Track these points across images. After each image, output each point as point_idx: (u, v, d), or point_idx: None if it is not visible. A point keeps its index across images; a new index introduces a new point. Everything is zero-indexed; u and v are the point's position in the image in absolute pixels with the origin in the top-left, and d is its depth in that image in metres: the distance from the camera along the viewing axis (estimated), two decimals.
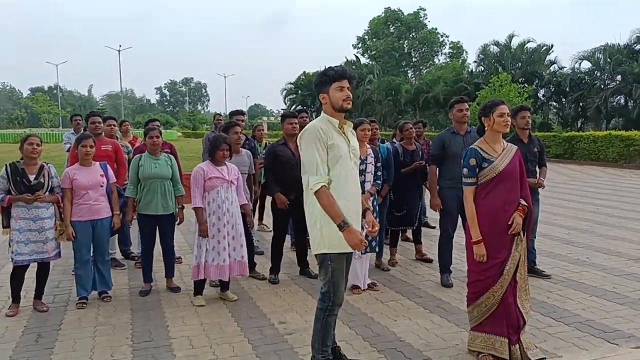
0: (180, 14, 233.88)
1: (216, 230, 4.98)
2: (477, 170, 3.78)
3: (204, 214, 4.96)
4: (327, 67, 3.41)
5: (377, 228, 3.39)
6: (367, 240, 3.38)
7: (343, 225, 3.15)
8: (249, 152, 6.18)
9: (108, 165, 5.32)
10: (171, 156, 5.65)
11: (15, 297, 4.86)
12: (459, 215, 5.48)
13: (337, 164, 3.29)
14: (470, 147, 3.88)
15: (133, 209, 5.44)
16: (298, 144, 3.42)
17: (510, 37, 38.76)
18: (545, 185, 5.69)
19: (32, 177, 4.72)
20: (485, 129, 3.89)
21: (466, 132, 5.52)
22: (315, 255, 3.42)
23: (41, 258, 4.81)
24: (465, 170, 3.82)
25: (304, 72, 56.70)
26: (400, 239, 7.28)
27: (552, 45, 37.29)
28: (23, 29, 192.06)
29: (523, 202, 3.78)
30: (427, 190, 7.60)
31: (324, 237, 3.31)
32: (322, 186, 3.20)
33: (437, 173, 5.66)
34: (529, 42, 37.79)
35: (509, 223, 3.70)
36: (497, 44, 39.31)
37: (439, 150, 5.56)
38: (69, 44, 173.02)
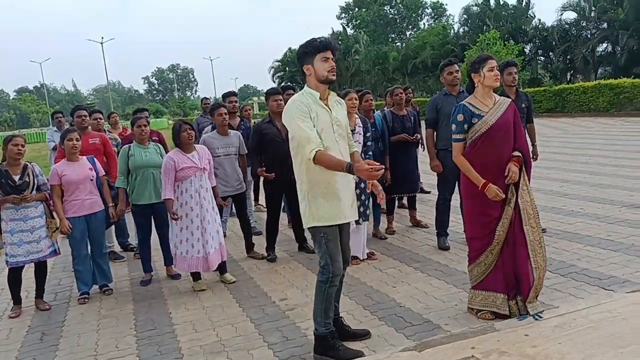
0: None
1: (189, 221, 4.88)
2: (466, 126, 3.76)
3: (174, 204, 4.87)
4: (310, 38, 3.33)
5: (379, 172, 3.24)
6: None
7: (350, 168, 3.10)
8: (239, 132, 6.15)
9: (95, 159, 5.30)
10: (159, 145, 5.63)
11: (16, 299, 4.88)
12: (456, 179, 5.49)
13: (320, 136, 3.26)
14: (460, 103, 3.86)
15: (126, 200, 5.43)
16: (284, 122, 3.39)
17: None
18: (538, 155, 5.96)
19: (16, 178, 4.68)
20: (476, 85, 3.86)
21: (459, 93, 5.50)
22: (308, 229, 3.45)
23: (37, 258, 4.81)
24: (453, 127, 3.82)
25: (290, 48, 56.11)
26: (396, 206, 7.31)
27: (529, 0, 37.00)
28: (2, 29, 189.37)
29: (516, 153, 3.78)
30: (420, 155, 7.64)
31: (313, 211, 3.33)
32: (316, 151, 3.15)
33: (434, 136, 5.66)
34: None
35: (505, 175, 3.70)
36: (477, 4, 38.94)
37: (432, 113, 5.58)
38: (50, 41, 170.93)
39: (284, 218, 6.59)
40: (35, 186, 4.79)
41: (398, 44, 57.82)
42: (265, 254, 5.87)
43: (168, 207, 4.89)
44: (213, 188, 5.19)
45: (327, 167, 3.19)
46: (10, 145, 4.67)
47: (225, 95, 7.26)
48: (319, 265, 3.46)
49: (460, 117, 3.77)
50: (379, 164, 3.11)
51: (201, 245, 4.91)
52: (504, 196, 3.71)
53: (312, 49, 3.28)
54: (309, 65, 3.31)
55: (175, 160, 4.87)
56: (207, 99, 9.81)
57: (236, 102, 7.10)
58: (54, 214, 4.96)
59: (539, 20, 36.71)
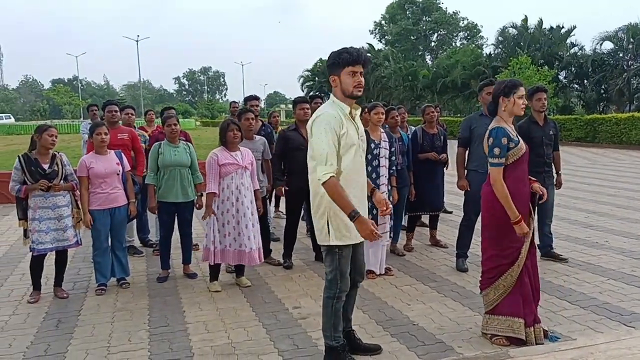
0: (195, 3, 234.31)
1: (231, 216, 4.96)
2: (507, 150, 3.66)
3: (214, 200, 4.97)
4: (342, 48, 3.22)
5: (389, 208, 3.32)
6: (378, 229, 3.28)
7: (354, 215, 3.04)
8: (264, 138, 6.18)
9: (123, 154, 5.38)
10: (189, 144, 5.71)
11: (36, 285, 4.97)
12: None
13: (347, 153, 3.20)
14: (497, 126, 3.70)
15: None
16: (308, 130, 3.30)
17: (525, 19, 38.13)
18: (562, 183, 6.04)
19: (45, 166, 4.80)
20: (503, 109, 3.74)
21: None
22: (323, 245, 3.35)
23: (62, 246, 4.90)
24: (497, 150, 3.63)
25: (320, 59, 56.50)
26: (416, 224, 7.27)
27: (574, 27, 36.36)
28: (42, 20, 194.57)
29: (532, 178, 3.84)
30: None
31: (333, 229, 3.24)
32: (330, 177, 3.08)
33: (466, 155, 5.60)
34: (542, 24, 37.12)
35: (540, 194, 3.78)
36: (514, 26, 38.62)
37: (466, 132, 5.55)
38: (86, 35, 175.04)
39: (302, 226, 6.60)
40: (63, 176, 4.90)
41: (429, 61, 57.77)
42: (282, 261, 5.89)
43: (208, 201, 4.96)
44: (255, 191, 5.22)
45: (331, 197, 3.09)
46: (45, 134, 4.79)
47: (247, 99, 7.29)
48: (326, 279, 3.40)
49: (504, 141, 3.63)
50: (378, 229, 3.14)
51: (233, 239, 4.97)
52: (530, 233, 3.71)
53: (341, 61, 3.17)
54: (336, 76, 3.22)
55: (218, 156, 4.97)
56: (236, 102, 9.88)
57: (257, 105, 7.13)
58: (79, 204, 5.05)
59: (577, 47, 36.24)
